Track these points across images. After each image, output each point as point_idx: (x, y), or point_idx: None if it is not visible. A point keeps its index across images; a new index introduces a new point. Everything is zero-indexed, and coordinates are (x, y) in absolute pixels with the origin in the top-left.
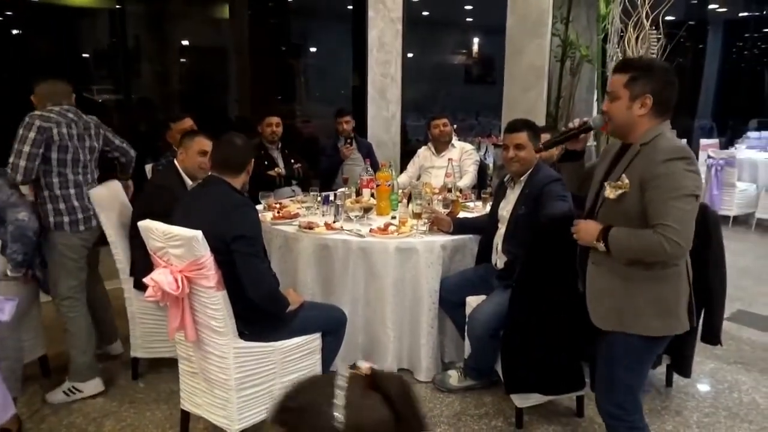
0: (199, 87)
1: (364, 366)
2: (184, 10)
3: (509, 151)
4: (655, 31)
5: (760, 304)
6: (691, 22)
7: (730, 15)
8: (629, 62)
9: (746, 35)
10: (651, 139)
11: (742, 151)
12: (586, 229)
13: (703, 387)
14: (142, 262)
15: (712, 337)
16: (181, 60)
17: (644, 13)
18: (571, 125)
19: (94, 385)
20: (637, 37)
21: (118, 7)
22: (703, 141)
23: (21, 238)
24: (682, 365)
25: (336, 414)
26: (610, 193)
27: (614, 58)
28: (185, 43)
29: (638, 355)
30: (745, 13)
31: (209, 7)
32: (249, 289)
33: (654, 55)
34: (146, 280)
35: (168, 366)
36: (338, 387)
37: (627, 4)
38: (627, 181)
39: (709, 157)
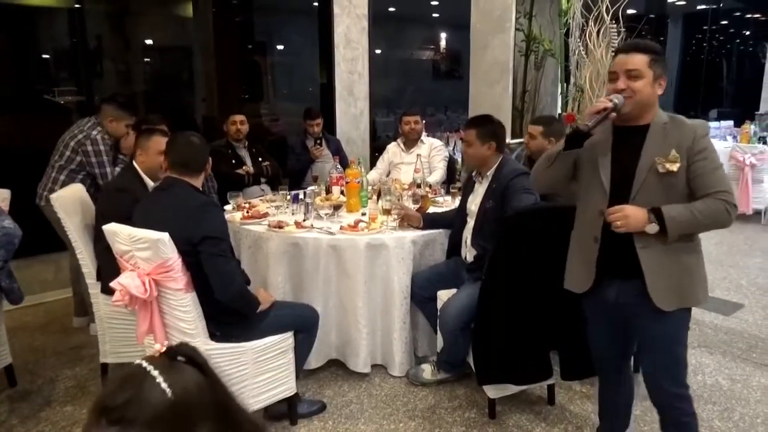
0: (163, 87)
1: (156, 347)
2: (146, 9)
3: (464, 146)
4: (615, 25)
5: (721, 289)
6: (651, 16)
7: (689, 8)
8: (646, 44)
9: (705, 27)
10: (668, 118)
11: None
12: (634, 215)
13: None
14: (107, 266)
15: None
16: (145, 59)
17: (604, 8)
18: (600, 105)
19: None
20: (598, 31)
21: (77, 6)
22: None
23: (6, 245)
24: None
25: (163, 386)
26: (671, 166)
27: (576, 53)
28: (149, 42)
29: (688, 327)
30: (704, 6)
31: (172, 6)
32: (217, 291)
33: (614, 47)
34: (113, 284)
35: None
36: (149, 369)
37: None
38: (677, 154)
39: None
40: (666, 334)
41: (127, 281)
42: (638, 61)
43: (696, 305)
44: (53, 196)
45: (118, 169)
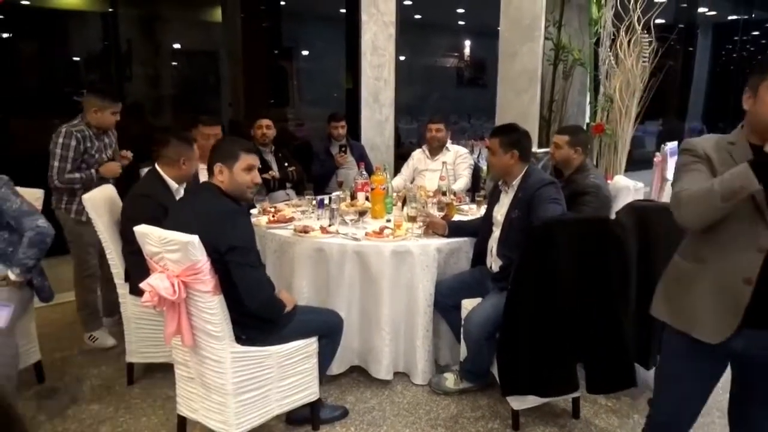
0: (191, 90)
1: None
2: (176, 14)
3: (489, 154)
4: (646, 35)
5: None
6: (681, 26)
7: (719, 18)
8: None
9: (735, 38)
10: None
11: None
12: None
13: None
14: (136, 268)
15: None
16: (174, 63)
17: (636, 18)
18: None
19: None
20: (629, 41)
21: (110, 10)
22: None
23: (39, 244)
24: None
25: None
26: None
27: (606, 62)
28: (177, 46)
29: None
30: (734, 16)
31: (202, 10)
32: (246, 299)
33: (645, 59)
34: (143, 285)
35: (163, 371)
36: None
37: (619, 8)
38: None
39: None
40: None
41: (156, 282)
42: None
43: None
44: (86, 197)
45: (78, 175)
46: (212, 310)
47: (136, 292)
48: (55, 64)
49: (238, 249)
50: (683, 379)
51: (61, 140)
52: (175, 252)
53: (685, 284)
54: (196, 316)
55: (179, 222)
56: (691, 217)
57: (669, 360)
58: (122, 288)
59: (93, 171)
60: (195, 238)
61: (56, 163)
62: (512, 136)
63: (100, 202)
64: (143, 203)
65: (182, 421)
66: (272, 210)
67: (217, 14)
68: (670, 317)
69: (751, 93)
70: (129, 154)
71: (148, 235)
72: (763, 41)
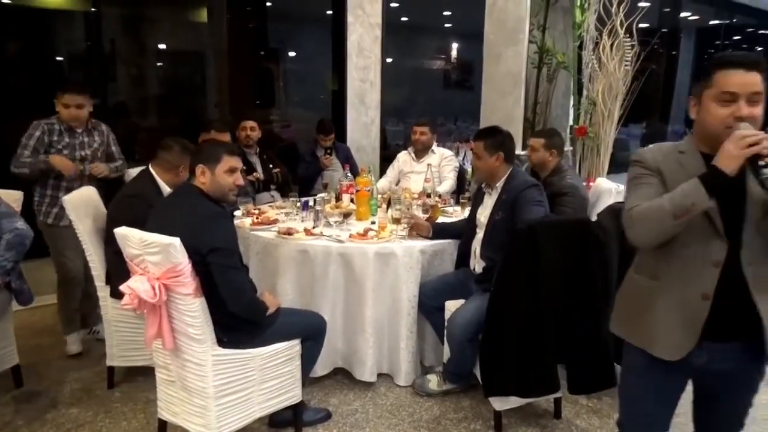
0: (176, 91)
1: None
2: (161, 13)
3: (473, 158)
4: (629, 39)
5: None
6: (664, 30)
7: (702, 23)
8: (760, 59)
9: (717, 42)
10: None
11: None
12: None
13: None
14: (117, 270)
15: None
16: (159, 64)
17: (618, 21)
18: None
19: None
20: (611, 45)
21: (93, 9)
22: None
23: (17, 246)
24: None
25: None
26: None
27: (589, 65)
28: (162, 46)
29: None
30: (716, 21)
31: (187, 11)
32: (228, 301)
33: (628, 62)
34: (123, 287)
35: (144, 374)
36: None
37: (602, 12)
38: None
39: None
40: (751, 395)
41: (136, 285)
42: (760, 81)
43: None
44: (66, 198)
45: (29, 159)
46: (193, 312)
47: (117, 295)
48: (37, 63)
49: (220, 251)
50: (645, 394)
51: (28, 131)
52: (155, 254)
53: (642, 301)
54: (177, 318)
55: (161, 224)
56: (644, 236)
57: (630, 375)
58: (103, 291)
59: (42, 157)
60: (176, 240)
61: (18, 151)
62: (497, 139)
63: (81, 205)
64: (133, 204)
65: (163, 425)
66: (256, 212)
67: (203, 14)
68: (628, 334)
69: (696, 101)
70: (100, 169)
71: (129, 237)
72: (745, 45)
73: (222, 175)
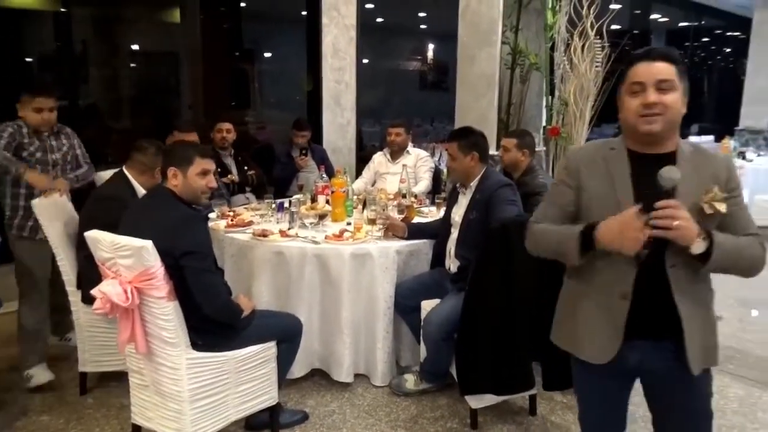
0: (150, 93)
1: None
2: (133, 14)
3: (448, 159)
4: (599, 40)
5: None
6: (635, 31)
7: (672, 25)
8: (673, 52)
9: (686, 44)
10: (689, 145)
11: None
12: (687, 221)
13: None
14: (89, 274)
15: None
16: (131, 65)
17: (589, 23)
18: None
19: None
20: (582, 46)
21: (63, 10)
22: None
23: None
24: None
25: None
26: (720, 207)
27: (561, 66)
28: (135, 47)
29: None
30: (685, 23)
31: (159, 11)
32: (202, 304)
33: (598, 63)
34: (94, 291)
35: (118, 380)
36: None
37: (572, 14)
38: (719, 192)
39: None
40: (699, 400)
41: (108, 289)
42: (669, 70)
43: (717, 363)
44: (35, 202)
45: (6, 153)
46: (167, 316)
47: (89, 299)
48: (5, 64)
49: (193, 254)
50: (590, 396)
51: None
52: (127, 257)
53: (570, 305)
54: (151, 322)
55: (133, 226)
56: (537, 253)
57: (576, 380)
58: (74, 295)
59: (21, 166)
60: (148, 243)
61: None
62: (471, 139)
63: (51, 208)
64: (109, 206)
65: (137, 430)
66: (231, 214)
67: (176, 15)
68: (560, 340)
69: (619, 101)
70: (58, 189)
71: (100, 240)
72: (713, 47)
73: (194, 177)
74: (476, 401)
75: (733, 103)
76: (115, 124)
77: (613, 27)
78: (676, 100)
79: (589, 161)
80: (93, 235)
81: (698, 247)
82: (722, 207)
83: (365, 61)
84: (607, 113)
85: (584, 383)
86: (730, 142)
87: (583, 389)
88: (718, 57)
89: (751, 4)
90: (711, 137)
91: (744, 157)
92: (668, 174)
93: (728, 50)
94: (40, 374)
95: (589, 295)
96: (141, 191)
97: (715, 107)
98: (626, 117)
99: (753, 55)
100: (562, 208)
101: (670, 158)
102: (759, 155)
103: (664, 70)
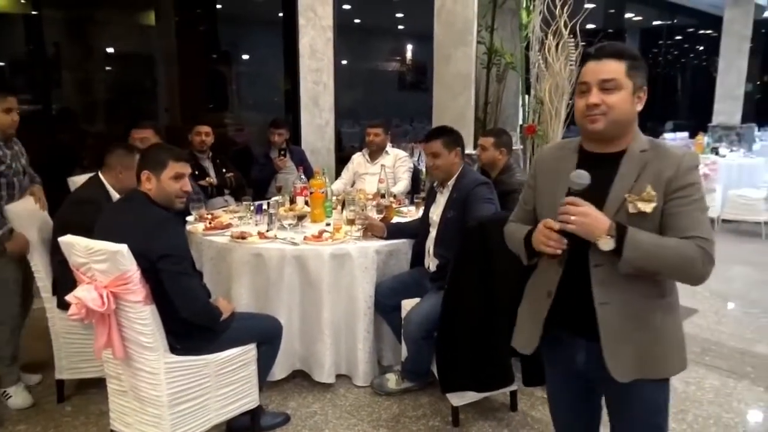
0: (125, 96)
1: None
2: (106, 16)
3: (429, 159)
4: (572, 40)
5: None
6: (610, 30)
7: (645, 23)
8: (623, 48)
9: (660, 42)
10: (649, 144)
11: None
12: (595, 218)
13: None
14: (64, 280)
15: None
16: (106, 68)
17: (562, 22)
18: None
19: None
20: (556, 45)
21: (34, 12)
22: None
23: None
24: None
25: None
26: (644, 206)
27: (536, 65)
28: (109, 50)
29: (668, 398)
30: (659, 22)
31: (134, 14)
32: (180, 308)
33: (572, 62)
34: (68, 297)
35: (97, 386)
36: None
37: (546, 13)
38: (654, 192)
39: None
40: (646, 412)
41: (83, 294)
42: (614, 68)
43: (665, 375)
44: (9, 207)
45: None
46: (144, 320)
47: (64, 305)
48: None
49: (169, 257)
50: (557, 395)
51: None
52: (102, 262)
53: (521, 305)
54: (128, 327)
55: (108, 231)
56: (513, 251)
57: (546, 377)
58: (49, 302)
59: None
60: (124, 247)
61: None
62: (452, 136)
63: (24, 214)
64: (85, 210)
65: None
66: (209, 217)
67: (151, 17)
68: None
69: None
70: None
71: (74, 245)
72: (686, 45)
73: (168, 181)
74: (458, 399)
75: (706, 100)
76: (89, 128)
77: (589, 26)
78: (621, 99)
79: (544, 160)
80: (67, 240)
81: (605, 243)
82: (647, 207)
83: (344, 62)
84: None
85: (549, 380)
86: (704, 139)
87: (549, 386)
88: (692, 55)
89: (723, 2)
90: (686, 134)
91: (717, 153)
92: (578, 179)
93: (701, 48)
94: (18, 396)
95: (528, 293)
96: (116, 196)
97: (689, 104)
98: (576, 117)
99: (724, 52)
100: (525, 207)
101: (618, 157)
102: (732, 151)
103: (609, 69)
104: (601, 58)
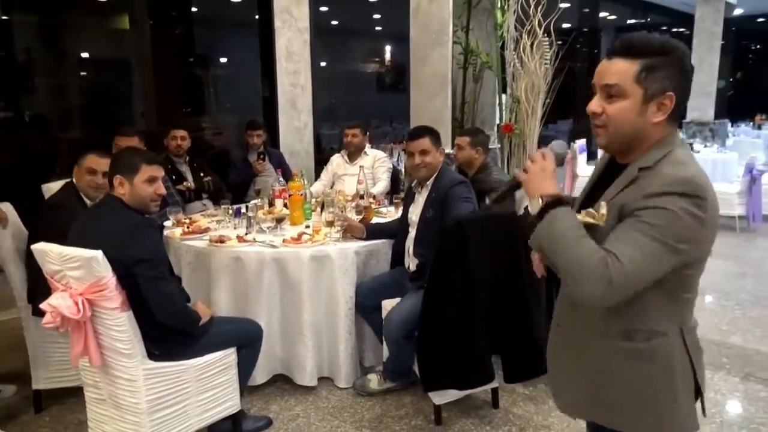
0: (100, 101)
1: None
2: (79, 20)
3: (415, 157)
4: (547, 39)
5: None
6: (585, 29)
7: (619, 22)
8: (639, 42)
9: None
10: (657, 160)
11: None
12: (546, 177)
13: None
14: (39, 287)
15: None
16: (80, 73)
17: (537, 22)
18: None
19: None
20: (531, 44)
21: (4, 17)
22: None
23: None
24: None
25: None
26: (584, 218)
27: (512, 65)
28: (84, 55)
29: None
30: (633, 20)
31: (107, 18)
32: (157, 313)
33: (547, 61)
34: (43, 305)
35: (75, 395)
36: None
37: (521, 13)
38: (604, 212)
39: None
40: None
41: (58, 302)
42: (621, 70)
43: (623, 429)
44: None
45: None
46: (121, 327)
47: (40, 313)
48: None
49: (145, 262)
50: None
51: None
52: (77, 269)
53: None
54: (104, 334)
55: (82, 237)
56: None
57: None
58: (24, 311)
59: None
60: (99, 254)
61: None
62: (436, 134)
63: None
64: (59, 216)
65: None
66: (186, 221)
67: (125, 21)
68: None
69: None
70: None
71: (48, 252)
72: None
73: (141, 185)
74: (440, 397)
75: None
76: (63, 135)
77: (564, 25)
78: (622, 109)
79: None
80: (40, 248)
81: (534, 204)
82: (586, 218)
83: (323, 64)
84: (561, 110)
85: None
86: (679, 135)
87: None
88: None
89: (694, 0)
90: None
91: (692, 149)
92: (557, 147)
93: None
94: None
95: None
96: (89, 202)
97: None
98: None
99: (696, 50)
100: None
101: (621, 169)
102: (705, 146)
103: (612, 71)
104: (612, 55)
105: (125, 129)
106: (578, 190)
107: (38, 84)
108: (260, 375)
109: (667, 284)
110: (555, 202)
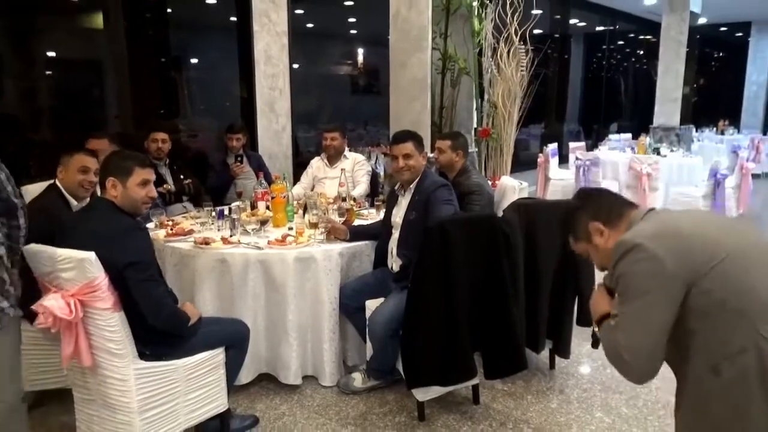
0: (72, 103)
1: None
2: (51, 20)
3: (399, 161)
4: (523, 46)
5: None
6: (556, 35)
7: (589, 29)
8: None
9: (603, 47)
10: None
11: (605, 152)
12: (595, 304)
13: (582, 366)
14: (27, 290)
15: (587, 320)
16: (52, 74)
17: (513, 30)
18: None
19: None
20: (508, 51)
21: None
22: (572, 144)
23: None
24: (561, 348)
25: None
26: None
27: (489, 71)
28: (53, 54)
29: None
30: (601, 27)
31: (80, 17)
32: (148, 315)
33: (523, 68)
34: (35, 306)
35: (59, 398)
36: None
37: (498, 21)
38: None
39: (577, 158)
40: None
41: (50, 303)
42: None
43: None
44: None
45: None
46: (113, 327)
47: (29, 316)
48: None
49: (135, 265)
50: None
51: None
52: (69, 270)
53: None
54: (96, 334)
55: (72, 239)
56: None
57: None
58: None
59: None
60: (91, 255)
61: None
62: (419, 138)
63: None
64: (42, 220)
65: None
66: (170, 223)
67: (99, 20)
68: None
69: None
70: None
71: (39, 253)
72: (628, 50)
73: (134, 188)
74: (422, 394)
75: (647, 103)
76: (35, 137)
77: (536, 31)
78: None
79: None
80: (32, 249)
81: (596, 330)
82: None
83: (296, 66)
84: (533, 115)
85: None
86: (646, 139)
87: None
88: (633, 59)
89: (660, 9)
90: (629, 135)
91: (659, 153)
92: (607, 281)
93: (641, 53)
94: None
95: None
96: (75, 203)
97: (632, 107)
98: None
99: (662, 56)
100: None
101: None
102: (672, 151)
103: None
104: None
105: (96, 132)
106: (551, 193)
107: (7, 85)
108: (246, 374)
109: (698, 310)
110: (604, 317)
